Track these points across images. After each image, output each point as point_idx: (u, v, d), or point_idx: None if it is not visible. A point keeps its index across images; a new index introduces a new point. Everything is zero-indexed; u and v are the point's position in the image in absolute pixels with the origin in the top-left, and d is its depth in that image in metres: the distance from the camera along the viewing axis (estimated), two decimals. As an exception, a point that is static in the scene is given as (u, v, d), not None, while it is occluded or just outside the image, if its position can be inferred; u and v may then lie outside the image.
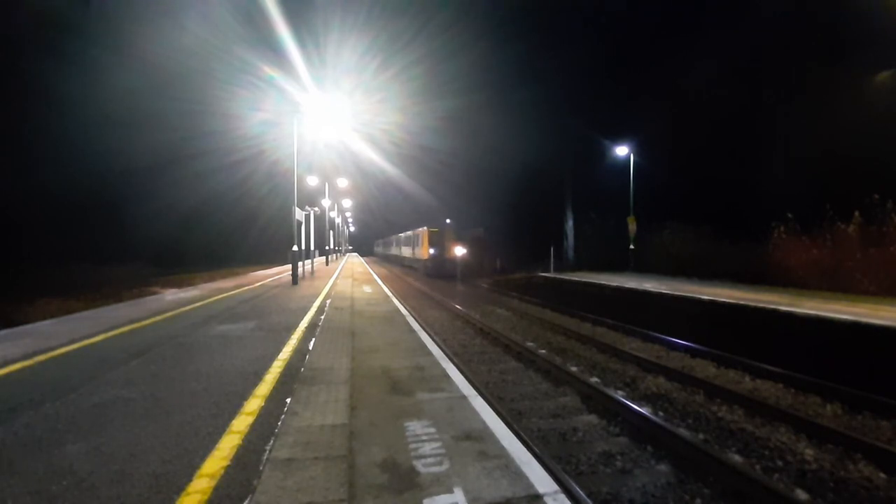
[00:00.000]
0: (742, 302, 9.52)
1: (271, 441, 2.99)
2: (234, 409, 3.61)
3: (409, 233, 36.46)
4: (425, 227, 28.47)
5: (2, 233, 21.03)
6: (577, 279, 16.33)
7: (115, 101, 28.04)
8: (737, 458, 4.57)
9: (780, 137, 19.39)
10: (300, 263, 16.15)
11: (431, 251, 27.67)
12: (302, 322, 7.74)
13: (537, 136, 28.05)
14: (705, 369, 7.67)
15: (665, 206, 21.22)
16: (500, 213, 31.36)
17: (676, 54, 25.95)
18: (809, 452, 4.66)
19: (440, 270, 26.92)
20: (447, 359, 5.26)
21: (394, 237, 51.72)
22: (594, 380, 7.01)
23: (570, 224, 25.25)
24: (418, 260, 31.13)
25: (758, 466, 4.45)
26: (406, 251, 38.73)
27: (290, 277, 15.43)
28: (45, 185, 25.46)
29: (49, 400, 3.84)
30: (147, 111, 30.52)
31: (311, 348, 5.64)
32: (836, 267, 12.24)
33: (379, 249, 72.99)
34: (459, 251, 26.65)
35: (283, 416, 3.38)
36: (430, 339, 6.42)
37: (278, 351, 5.60)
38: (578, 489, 3.78)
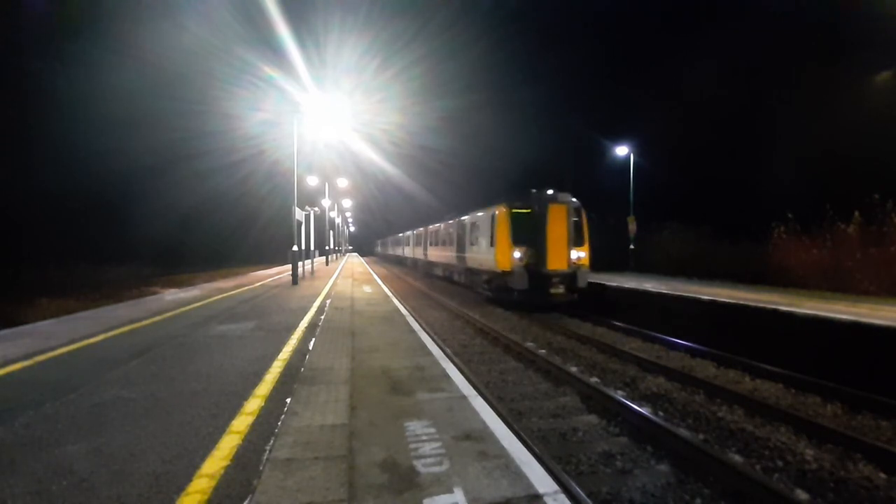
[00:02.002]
0: (742, 302, 9.51)
1: (271, 441, 2.98)
2: (234, 409, 3.62)
3: (452, 222, 20.01)
4: (502, 207, 13.79)
5: (2, 233, 21.06)
6: (577, 279, 16.28)
7: (115, 101, 28.16)
8: (737, 458, 4.57)
9: (780, 137, 19.43)
10: (300, 263, 16.15)
11: (517, 255, 13.14)
12: (302, 322, 7.74)
13: (537, 135, 28.05)
14: (705, 369, 7.67)
15: (665, 206, 21.29)
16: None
17: (677, 54, 26.04)
18: (809, 452, 4.65)
19: (538, 294, 12.88)
20: (447, 359, 5.26)
21: (412, 232, 32.82)
22: (594, 380, 7.00)
23: (570, 224, 25.17)
24: (478, 271, 16.32)
25: (758, 466, 4.44)
26: (441, 255, 22.47)
27: (290, 277, 15.44)
28: (46, 185, 25.54)
29: (49, 400, 3.84)
30: (147, 111, 30.65)
31: (311, 348, 5.64)
32: (836, 267, 12.25)
33: (382, 250, 62.93)
34: (576, 256, 13.31)
35: (283, 416, 3.38)
36: (430, 339, 6.42)
37: (278, 351, 5.60)
38: (578, 489, 3.77)
